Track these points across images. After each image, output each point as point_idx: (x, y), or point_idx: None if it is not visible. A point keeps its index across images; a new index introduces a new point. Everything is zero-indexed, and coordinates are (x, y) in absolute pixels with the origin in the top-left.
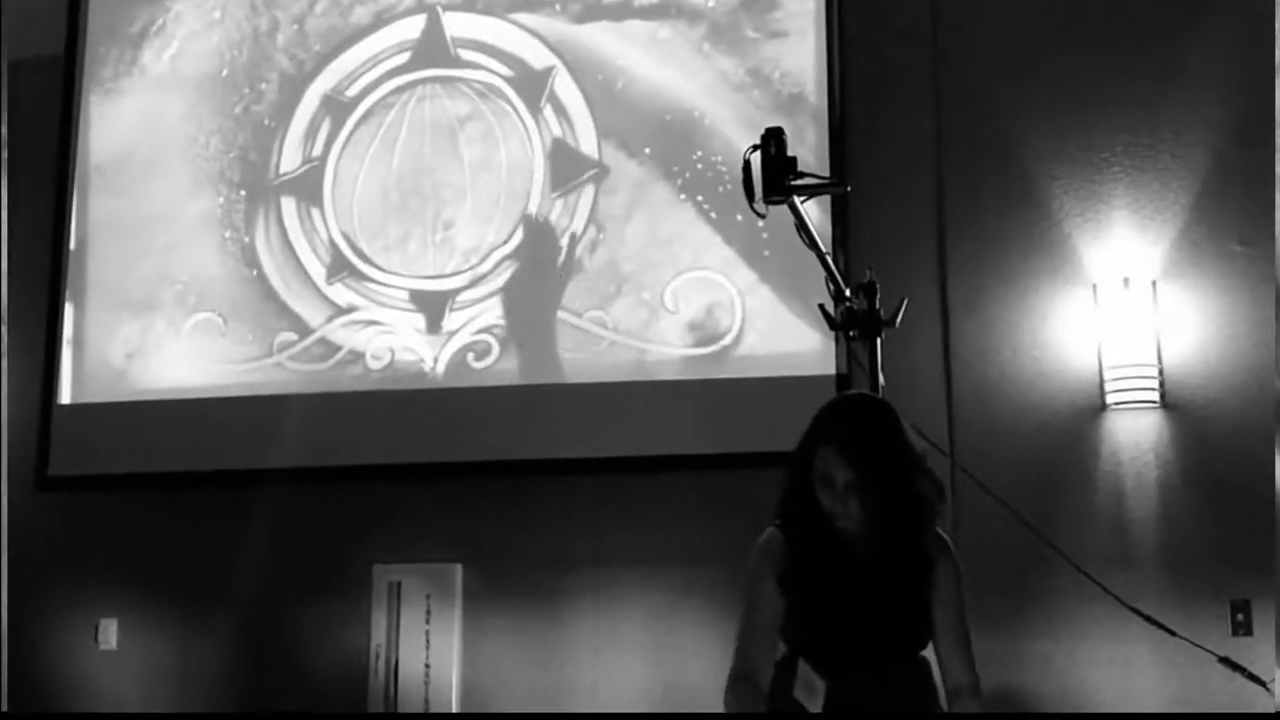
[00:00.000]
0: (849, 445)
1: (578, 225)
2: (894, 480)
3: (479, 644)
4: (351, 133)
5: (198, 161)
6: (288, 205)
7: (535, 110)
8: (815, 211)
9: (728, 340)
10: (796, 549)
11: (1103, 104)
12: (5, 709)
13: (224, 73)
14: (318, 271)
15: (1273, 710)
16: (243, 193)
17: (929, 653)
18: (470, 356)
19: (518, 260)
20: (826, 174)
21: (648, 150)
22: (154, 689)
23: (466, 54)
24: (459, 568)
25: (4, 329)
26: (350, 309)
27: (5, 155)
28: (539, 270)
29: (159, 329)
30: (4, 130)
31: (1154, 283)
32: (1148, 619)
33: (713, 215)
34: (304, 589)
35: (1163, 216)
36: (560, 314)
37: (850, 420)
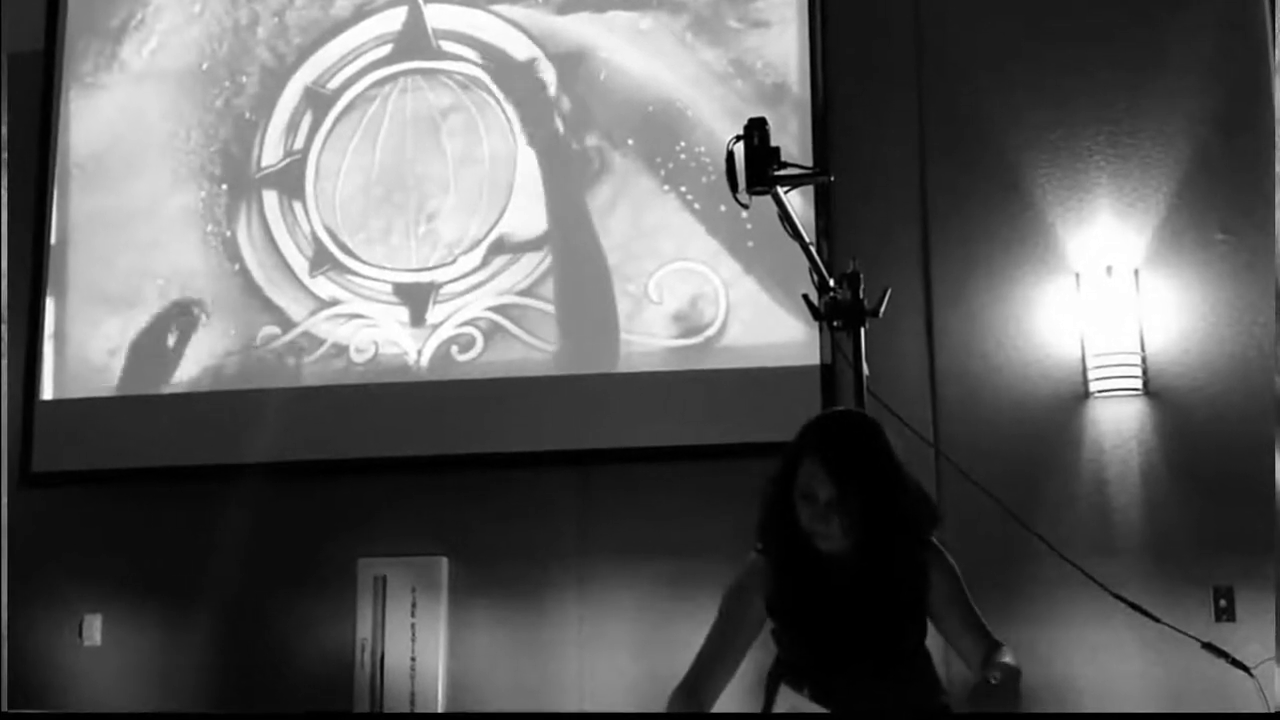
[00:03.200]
0: (832, 460)
1: (561, 217)
2: (878, 500)
3: (465, 637)
4: (333, 126)
5: (179, 156)
6: (270, 199)
7: (518, 102)
8: (798, 202)
9: (712, 331)
10: (780, 574)
11: (1085, 93)
12: (5, 709)
13: (204, 66)
14: (300, 265)
15: (1254, 697)
16: (224, 187)
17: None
18: (454, 349)
19: (501, 252)
20: (809, 164)
21: (631, 141)
22: (139, 685)
23: (448, 46)
24: (444, 561)
25: (3, 326)
26: (334, 302)
27: (5, 155)
28: (522, 262)
29: (141, 324)
30: (3, 129)
31: (1136, 271)
32: (1131, 605)
33: (696, 206)
34: (289, 583)
35: (1145, 205)
36: (544, 305)
37: (835, 435)
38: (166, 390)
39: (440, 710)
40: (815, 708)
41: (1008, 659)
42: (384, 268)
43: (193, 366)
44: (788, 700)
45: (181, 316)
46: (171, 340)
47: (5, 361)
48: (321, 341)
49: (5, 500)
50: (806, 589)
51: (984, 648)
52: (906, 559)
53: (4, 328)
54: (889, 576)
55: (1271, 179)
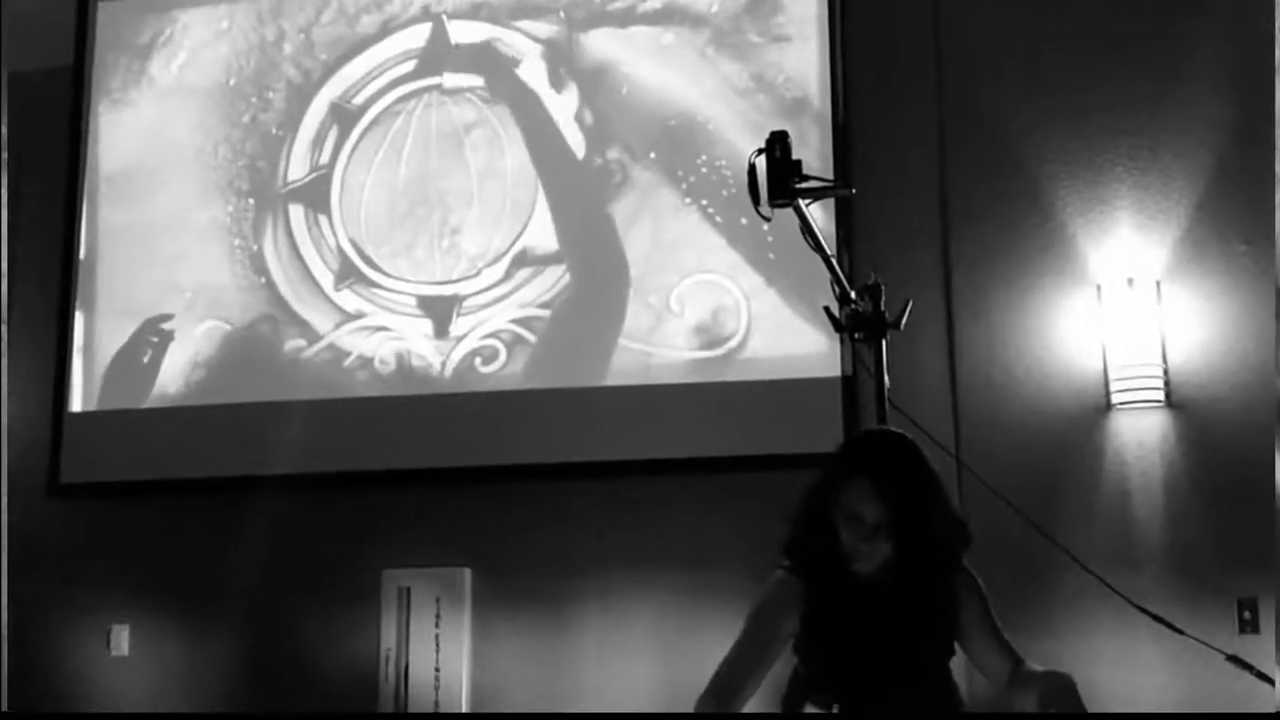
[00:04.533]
0: (883, 482)
1: (583, 230)
2: (922, 522)
3: (488, 648)
4: (358, 141)
5: (206, 170)
6: (296, 213)
7: (540, 117)
8: (819, 214)
9: (733, 343)
10: (815, 593)
11: (1105, 105)
12: (5, 709)
13: (231, 82)
14: (326, 279)
15: (1276, 708)
16: (251, 201)
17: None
18: (478, 361)
19: (524, 265)
20: (830, 177)
21: (652, 155)
22: (165, 695)
23: (472, 61)
24: (468, 572)
25: (4, 329)
26: (358, 315)
27: (5, 155)
28: (545, 275)
29: (170, 337)
30: (3, 130)
31: (1158, 283)
32: (1154, 617)
33: (718, 219)
34: (314, 594)
35: (1166, 217)
36: (566, 318)
37: (885, 457)
38: (193, 402)
39: None
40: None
41: (1037, 670)
42: (408, 281)
43: (219, 379)
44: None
45: (208, 329)
46: (198, 353)
47: (5, 363)
48: (347, 354)
49: (5, 503)
50: (843, 608)
51: (1010, 665)
52: (941, 579)
53: (4, 328)
54: (923, 596)
55: None
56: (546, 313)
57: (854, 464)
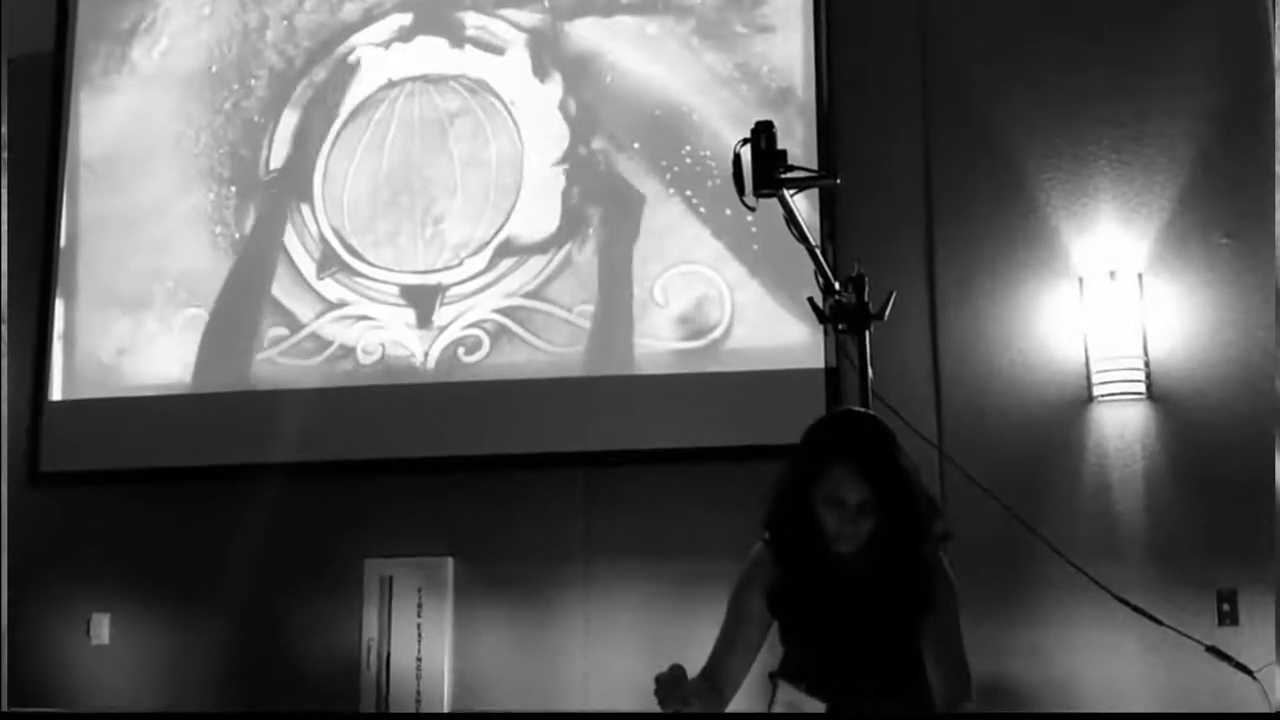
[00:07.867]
0: (865, 464)
1: (567, 220)
2: (902, 503)
3: (471, 637)
4: (341, 129)
5: (188, 158)
6: (278, 201)
7: (524, 106)
8: (803, 205)
9: (717, 334)
10: (790, 570)
11: (1089, 97)
12: (5, 709)
13: (213, 69)
14: (308, 267)
15: (1258, 699)
16: (233, 188)
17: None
18: (460, 351)
19: (507, 255)
20: (815, 168)
21: (636, 145)
22: (147, 684)
23: (456, 50)
24: (450, 561)
25: (4, 327)
26: (341, 304)
27: (5, 155)
28: (529, 265)
29: (150, 325)
30: (4, 129)
31: (1140, 275)
32: (1135, 609)
33: (701, 210)
34: (296, 583)
35: (1148, 209)
36: (550, 308)
37: (864, 439)
38: (174, 391)
39: (446, 710)
40: (813, 704)
41: (970, 708)
42: (391, 270)
43: (200, 368)
44: (786, 696)
45: (189, 317)
46: (179, 341)
47: (4, 362)
48: (329, 343)
49: (5, 501)
50: (817, 587)
51: (954, 689)
52: (914, 557)
53: (4, 328)
54: (897, 579)
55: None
56: (530, 303)
57: (830, 450)
